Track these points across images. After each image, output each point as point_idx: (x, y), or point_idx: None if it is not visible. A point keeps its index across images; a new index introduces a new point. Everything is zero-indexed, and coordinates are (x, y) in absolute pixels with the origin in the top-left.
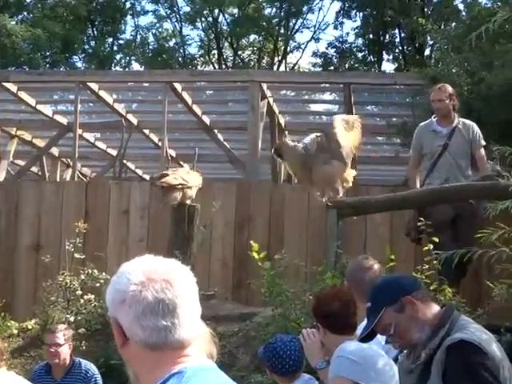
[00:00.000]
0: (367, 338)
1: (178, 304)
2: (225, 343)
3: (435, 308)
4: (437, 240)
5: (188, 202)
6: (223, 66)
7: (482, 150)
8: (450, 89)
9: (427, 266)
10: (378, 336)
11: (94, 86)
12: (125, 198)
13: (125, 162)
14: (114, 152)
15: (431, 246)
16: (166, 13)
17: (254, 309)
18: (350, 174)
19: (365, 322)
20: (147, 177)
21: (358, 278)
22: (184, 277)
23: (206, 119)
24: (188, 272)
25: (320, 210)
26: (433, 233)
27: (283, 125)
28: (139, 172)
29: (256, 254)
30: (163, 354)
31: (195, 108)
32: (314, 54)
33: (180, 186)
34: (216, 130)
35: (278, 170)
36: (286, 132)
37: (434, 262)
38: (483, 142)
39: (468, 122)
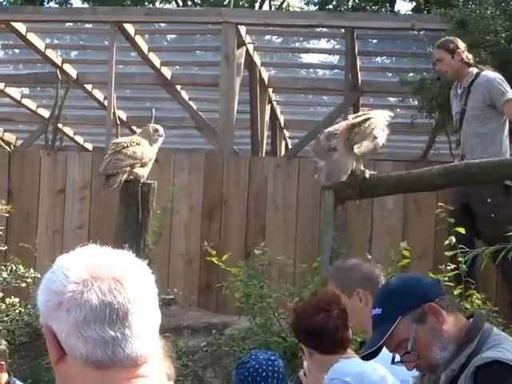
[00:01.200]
0: (370, 355)
1: (130, 310)
2: (188, 362)
3: (462, 319)
4: (463, 231)
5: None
6: (189, 3)
7: (509, 106)
8: (451, 43)
9: (452, 266)
10: (384, 350)
11: (21, 27)
12: (60, 174)
13: (60, 126)
14: (46, 113)
15: (453, 240)
16: None
17: (225, 318)
18: None
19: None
20: (89, 146)
21: (347, 274)
22: (139, 275)
23: (167, 72)
24: (144, 268)
25: (314, 190)
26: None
27: (266, 80)
28: (79, 139)
29: (214, 259)
30: (110, 374)
31: (152, 57)
32: None
33: (128, 168)
34: (179, 87)
35: (259, 138)
36: (271, 90)
37: (459, 259)
38: (507, 96)
39: (486, 74)
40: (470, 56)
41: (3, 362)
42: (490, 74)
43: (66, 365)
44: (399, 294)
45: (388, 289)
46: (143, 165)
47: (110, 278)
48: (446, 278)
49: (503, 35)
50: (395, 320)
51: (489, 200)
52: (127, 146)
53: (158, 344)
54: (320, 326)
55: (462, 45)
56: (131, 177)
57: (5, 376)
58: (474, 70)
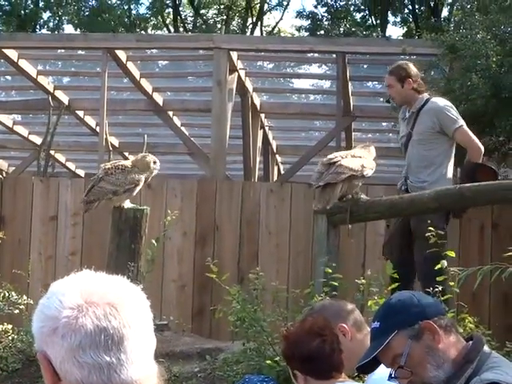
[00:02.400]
0: (368, 368)
1: (125, 335)
2: None
3: (460, 341)
4: (453, 254)
5: (128, 203)
6: (181, 30)
7: (461, 133)
8: (403, 71)
9: (440, 288)
10: (381, 370)
11: (13, 54)
12: (52, 200)
13: (52, 152)
14: (38, 140)
15: (445, 264)
16: None
17: (219, 343)
18: None
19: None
20: (81, 172)
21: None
22: (134, 300)
23: (159, 98)
24: (139, 294)
25: (306, 215)
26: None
27: (258, 106)
28: (71, 166)
29: (215, 277)
30: None
31: (144, 83)
32: (299, 15)
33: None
34: (171, 113)
35: (251, 164)
36: (263, 115)
37: (451, 283)
38: (458, 124)
39: (436, 102)
40: (422, 83)
41: None
42: (440, 101)
43: None
44: (398, 309)
45: (388, 303)
46: (128, 191)
47: (104, 303)
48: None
49: (494, 59)
50: (391, 334)
51: (429, 221)
52: (111, 174)
53: (153, 368)
54: (316, 351)
55: (414, 72)
56: (114, 204)
57: None
58: (424, 96)
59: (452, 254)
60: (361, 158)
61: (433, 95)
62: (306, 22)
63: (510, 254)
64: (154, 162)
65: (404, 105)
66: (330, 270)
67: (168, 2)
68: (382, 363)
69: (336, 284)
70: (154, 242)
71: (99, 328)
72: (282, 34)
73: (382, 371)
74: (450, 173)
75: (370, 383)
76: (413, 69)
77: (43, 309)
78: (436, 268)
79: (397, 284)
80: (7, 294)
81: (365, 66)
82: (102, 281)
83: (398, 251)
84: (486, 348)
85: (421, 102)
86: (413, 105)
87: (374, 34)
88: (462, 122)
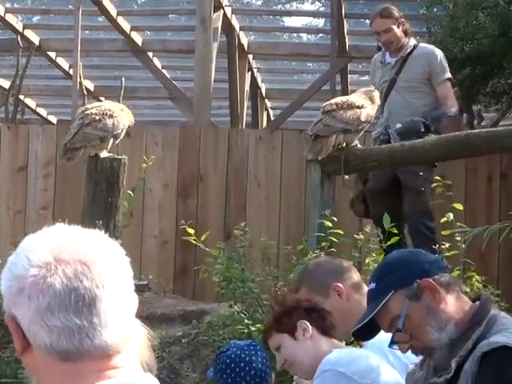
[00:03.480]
0: (365, 335)
1: (98, 295)
2: (163, 354)
3: (465, 301)
4: (461, 207)
5: (104, 153)
6: None
7: (446, 85)
8: (395, 11)
9: (447, 245)
10: (382, 336)
11: None
12: (21, 149)
13: (22, 97)
14: (6, 84)
15: (451, 216)
16: None
17: (203, 305)
18: None
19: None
20: (53, 118)
21: (315, 273)
22: (110, 257)
23: (137, 38)
24: (117, 250)
25: (299, 165)
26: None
27: (246, 46)
28: (42, 112)
29: (193, 239)
30: (79, 366)
31: (121, 22)
32: None
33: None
34: (151, 54)
35: (238, 109)
36: (251, 56)
37: (457, 238)
38: (447, 75)
39: (427, 47)
40: (405, 25)
41: None
42: (432, 47)
43: (32, 356)
44: (395, 267)
45: (385, 262)
46: (115, 137)
47: (75, 261)
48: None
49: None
50: (387, 294)
51: (421, 173)
52: (99, 120)
53: (133, 332)
54: (316, 305)
55: (398, 13)
56: (95, 151)
57: None
58: (411, 41)
59: (460, 206)
60: (359, 109)
61: (419, 41)
62: None
63: None
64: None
65: (396, 50)
66: (330, 224)
67: None
68: (380, 328)
69: (333, 239)
70: (130, 192)
71: (69, 288)
72: None
73: (383, 335)
74: None
75: (368, 348)
76: (397, 12)
77: (11, 266)
78: (442, 221)
79: (396, 238)
80: None
81: (361, 2)
82: (74, 236)
83: (386, 205)
84: (494, 309)
85: (409, 46)
86: (401, 48)
87: None
88: (449, 74)
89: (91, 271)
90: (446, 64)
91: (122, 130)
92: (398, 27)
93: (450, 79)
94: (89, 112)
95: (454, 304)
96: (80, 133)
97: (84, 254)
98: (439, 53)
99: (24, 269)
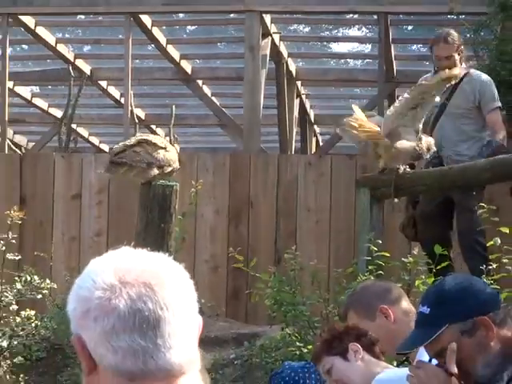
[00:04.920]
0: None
1: (162, 317)
2: (217, 375)
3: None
4: (507, 230)
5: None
6: None
7: (495, 113)
8: (456, 36)
9: (494, 266)
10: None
11: (30, 21)
12: (75, 177)
13: (74, 126)
14: (58, 113)
15: (498, 241)
16: None
17: (256, 328)
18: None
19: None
20: (106, 147)
21: (362, 296)
22: (174, 279)
23: (187, 66)
24: (180, 271)
25: (348, 189)
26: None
27: (294, 73)
28: (94, 140)
29: (242, 266)
30: None
31: (171, 50)
32: None
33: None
34: (201, 82)
35: (287, 135)
36: (299, 83)
37: (504, 260)
38: (496, 104)
39: (478, 74)
40: (463, 52)
41: None
42: (483, 75)
43: (98, 377)
44: (453, 299)
45: (442, 289)
46: (159, 168)
47: (140, 283)
48: (492, 281)
49: None
50: (442, 326)
51: (474, 193)
52: (153, 145)
53: (197, 354)
54: (365, 331)
55: (458, 38)
56: (141, 178)
57: None
58: (464, 68)
59: (506, 230)
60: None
61: (470, 67)
62: None
63: None
64: None
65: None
66: (376, 248)
67: None
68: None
69: (381, 263)
70: (180, 217)
71: (133, 310)
72: None
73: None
74: None
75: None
76: (457, 37)
77: (77, 289)
78: (488, 245)
79: (447, 263)
80: (29, 278)
81: (409, 28)
82: (139, 258)
83: (437, 228)
84: None
85: (461, 72)
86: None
87: None
88: (499, 103)
89: (155, 293)
90: (495, 92)
91: (168, 166)
92: (458, 55)
93: (499, 107)
94: (146, 137)
95: (503, 338)
96: (130, 150)
97: (148, 276)
98: (490, 81)
99: (89, 291)
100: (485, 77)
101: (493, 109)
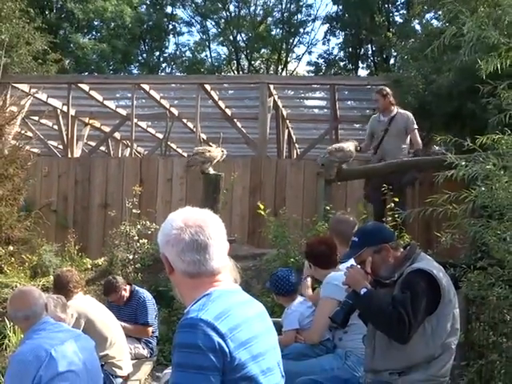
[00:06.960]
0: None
1: (208, 243)
2: (242, 275)
3: (401, 251)
4: (396, 200)
5: (210, 170)
6: (240, 72)
7: (415, 132)
8: (384, 90)
9: (390, 219)
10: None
11: (146, 87)
12: (169, 170)
13: (169, 143)
14: (160, 136)
15: (392, 205)
16: (198, 33)
17: (264, 250)
18: None
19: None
20: (185, 154)
21: (338, 229)
22: (214, 222)
23: (228, 111)
24: (217, 219)
25: (312, 178)
26: (395, 194)
27: (285, 115)
28: (179, 150)
29: (263, 212)
30: (199, 280)
31: (220, 103)
32: (308, 63)
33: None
34: (235, 119)
35: (281, 148)
36: (288, 121)
37: (396, 216)
38: (415, 126)
39: (404, 112)
40: (392, 99)
41: (127, 287)
42: (407, 112)
43: (175, 275)
44: (370, 233)
45: (364, 228)
46: (210, 162)
47: (196, 225)
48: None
49: (420, 87)
50: (362, 248)
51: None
52: (202, 152)
53: (226, 262)
54: (323, 252)
55: (390, 92)
56: (202, 169)
57: (127, 287)
58: (395, 108)
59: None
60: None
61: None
62: (311, 67)
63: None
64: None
65: (383, 112)
66: (328, 207)
67: (233, 56)
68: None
69: (330, 215)
70: (225, 191)
71: (192, 240)
72: (298, 74)
73: (339, 275)
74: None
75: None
76: (389, 91)
77: (162, 230)
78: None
79: (365, 216)
80: (144, 223)
81: (346, 92)
82: (195, 212)
83: (379, 197)
84: (418, 250)
85: (394, 111)
86: (388, 112)
87: (351, 74)
88: (416, 126)
89: (204, 230)
90: (414, 120)
91: (214, 160)
92: (385, 99)
93: (416, 128)
94: (200, 150)
95: (396, 256)
96: (193, 158)
97: (200, 221)
98: (410, 115)
99: (169, 230)
100: (408, 113)
101: (414, 129)
